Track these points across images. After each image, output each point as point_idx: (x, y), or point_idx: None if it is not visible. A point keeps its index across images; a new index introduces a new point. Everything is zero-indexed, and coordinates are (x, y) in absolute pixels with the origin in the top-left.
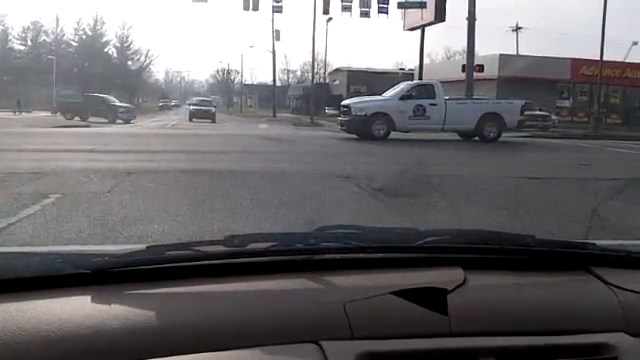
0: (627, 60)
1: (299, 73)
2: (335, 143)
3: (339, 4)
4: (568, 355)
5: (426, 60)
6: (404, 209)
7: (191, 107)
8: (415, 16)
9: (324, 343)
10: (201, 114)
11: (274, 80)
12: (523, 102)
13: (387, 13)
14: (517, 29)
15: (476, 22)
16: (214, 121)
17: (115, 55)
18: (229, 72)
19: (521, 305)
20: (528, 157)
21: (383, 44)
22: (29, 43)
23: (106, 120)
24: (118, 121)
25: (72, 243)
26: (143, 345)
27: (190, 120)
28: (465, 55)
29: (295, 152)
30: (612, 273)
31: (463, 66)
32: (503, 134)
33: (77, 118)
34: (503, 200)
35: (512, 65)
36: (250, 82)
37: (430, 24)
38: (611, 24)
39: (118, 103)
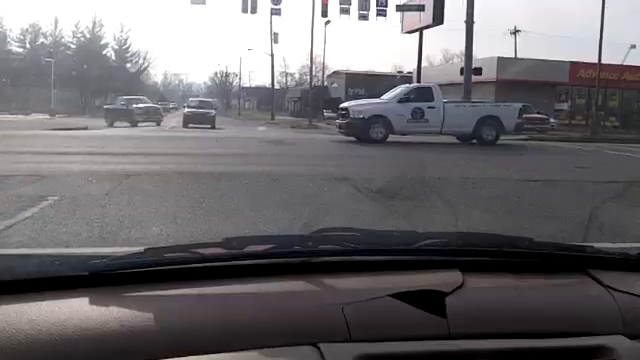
0: (625, 63)
1: (297, 76)
2: (333, 146)
3: (337, 7)
4: (566, 357)
5: (424, 63)
6: (402, 211)
7: (186, 110)
8: (413, 19)
9: (322, 345)
10: (198, 118)
11: (272, 83)
12: (521, 105)
13: (385, 16)
14: (515, 32)
15: (474, 25)
16: (213, 126)
17: (113, 57)
18: (227, 75)
19: (519, 307)
20: (526, 160)
21: (381, 47)
22: (27, 45)
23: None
24: (142, 124)
25: (70, 245)
26: (140, 347)
27: (185, 126)
28: (463, 58)
29: (293, 154)
30: (610, 276)
31: (461, 69)
32: (501, 137)
33: (127, 124)
34: (501, 202)
35: (510, 68)
36: (248, 85)
37: (428, 27)
38: (609, 27)
39: (139, 104)
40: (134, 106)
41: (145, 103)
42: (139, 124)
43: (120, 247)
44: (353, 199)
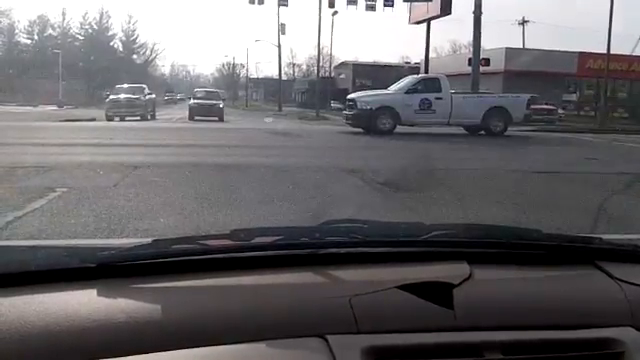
0: (634, 54)
1: (305, 67)
2: (341, 137)
3: None
4: (574, 350)
5: (432, 54)
6: (409, 203)
7: (192, 101)
8: (421, 9)
9: (330, 337)
10: (205, 111)
11: (280, 74)
12: (529, 96)
13: (393, 6)
14: (523, 22)
15: (482, 15)
16: (222, 119)
17: (121, 49)
18: (234, 66)
19: (527, 299)
20: (534, 151)
21: (389, 38)
22: (35, 37)
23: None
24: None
25: (78, 237)
26: (148, 338)
27: (191, 119)
28: (471, 49)
29: (301, 146)
30: (619, 267)
31: (469, 60)
32: (509, 128)
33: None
34: (509, 194)
35: (518, 59)
36: (256, 76)
37: (436, 17)
38: (619, 17)
39: (120, 95)
40: (111, 97)
41: (143, 93)
42: (115, 119)
43: (128, 239)
44: (360, 191)
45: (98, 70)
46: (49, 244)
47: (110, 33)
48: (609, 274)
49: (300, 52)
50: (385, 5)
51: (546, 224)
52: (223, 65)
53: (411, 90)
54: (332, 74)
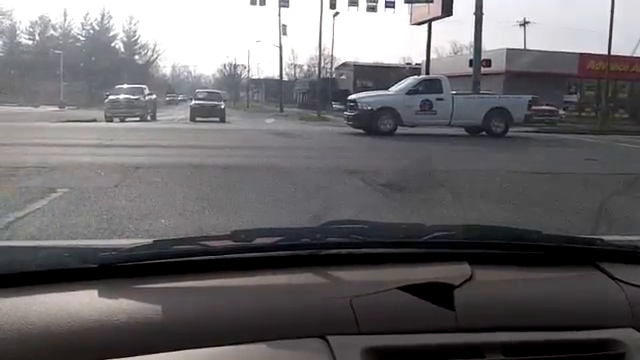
0: (635, 55)
1: (306, 68)
2: (342, 138)
3: None
4: (575, 351)
5: (433, 55)
6: (410, 204)
7: (193, 102)
8: (422, 10)
9: (331, 338)
10: (206, 112)
11: (281, 75)
12: (530, 97)
13: (394, 7)
14: (524, 23)
15: (483, 16)
16: (223, 120)
17: (122, 50)
18: (236, 67)
19: (528, 300)
20: (535, 152)
21: (390, 39)
22: (37, 38)
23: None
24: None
25: (79, 237)
26: (149, 339)
27: (192, 120)
28: (472, 50)
29: (302, 147)
30: (620, 269)
31: (470, 61)
32: (510, 129)
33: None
34: (510, 195)
35: (519, 60)
36: (257, 77)
37: (437, 18)
38: (620, 19)
39: (119, 96)
40: (110, 98)
41: (143, 94)
42: (114, 120)
43: (129, 239)
44: (361, 192)
45: (99, 71)
46: (50, 244)
47: (111, 34)
48: (610, 275)
49: (301, 53)
50: (386, 6)
51: (547, 225)
52: (224, 66)
53: (412, 91)
54: (333, 75)
